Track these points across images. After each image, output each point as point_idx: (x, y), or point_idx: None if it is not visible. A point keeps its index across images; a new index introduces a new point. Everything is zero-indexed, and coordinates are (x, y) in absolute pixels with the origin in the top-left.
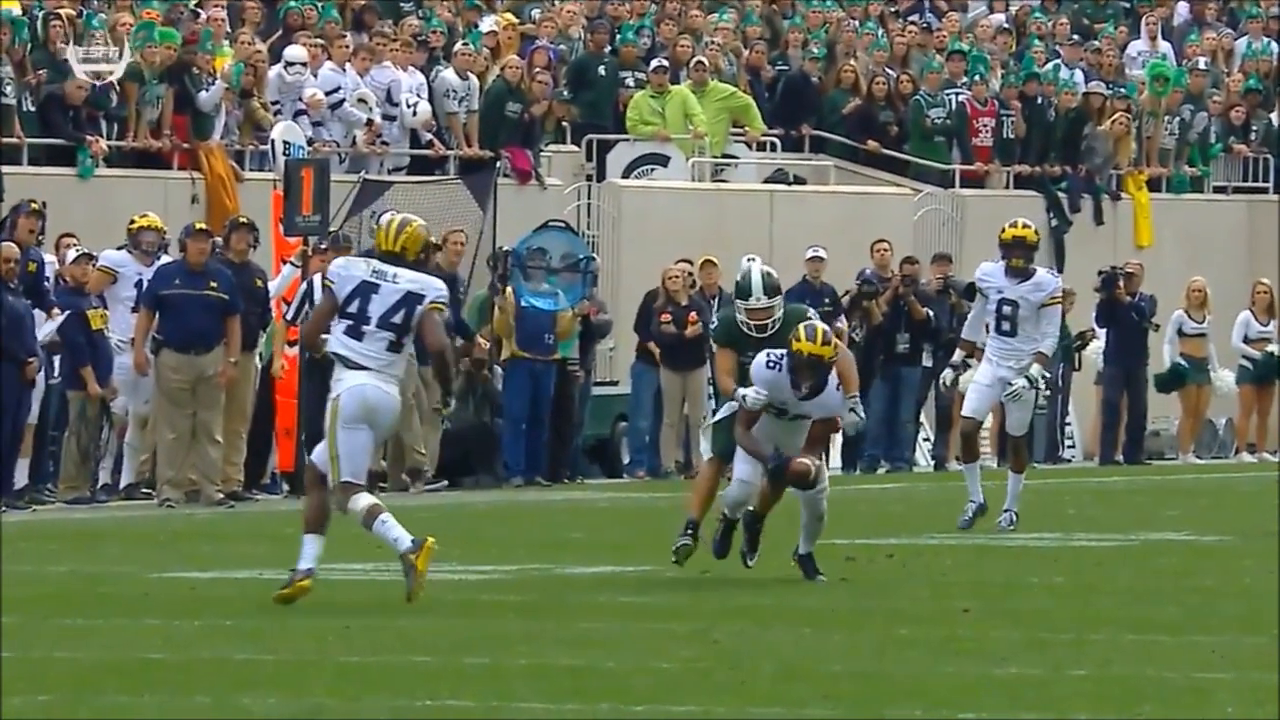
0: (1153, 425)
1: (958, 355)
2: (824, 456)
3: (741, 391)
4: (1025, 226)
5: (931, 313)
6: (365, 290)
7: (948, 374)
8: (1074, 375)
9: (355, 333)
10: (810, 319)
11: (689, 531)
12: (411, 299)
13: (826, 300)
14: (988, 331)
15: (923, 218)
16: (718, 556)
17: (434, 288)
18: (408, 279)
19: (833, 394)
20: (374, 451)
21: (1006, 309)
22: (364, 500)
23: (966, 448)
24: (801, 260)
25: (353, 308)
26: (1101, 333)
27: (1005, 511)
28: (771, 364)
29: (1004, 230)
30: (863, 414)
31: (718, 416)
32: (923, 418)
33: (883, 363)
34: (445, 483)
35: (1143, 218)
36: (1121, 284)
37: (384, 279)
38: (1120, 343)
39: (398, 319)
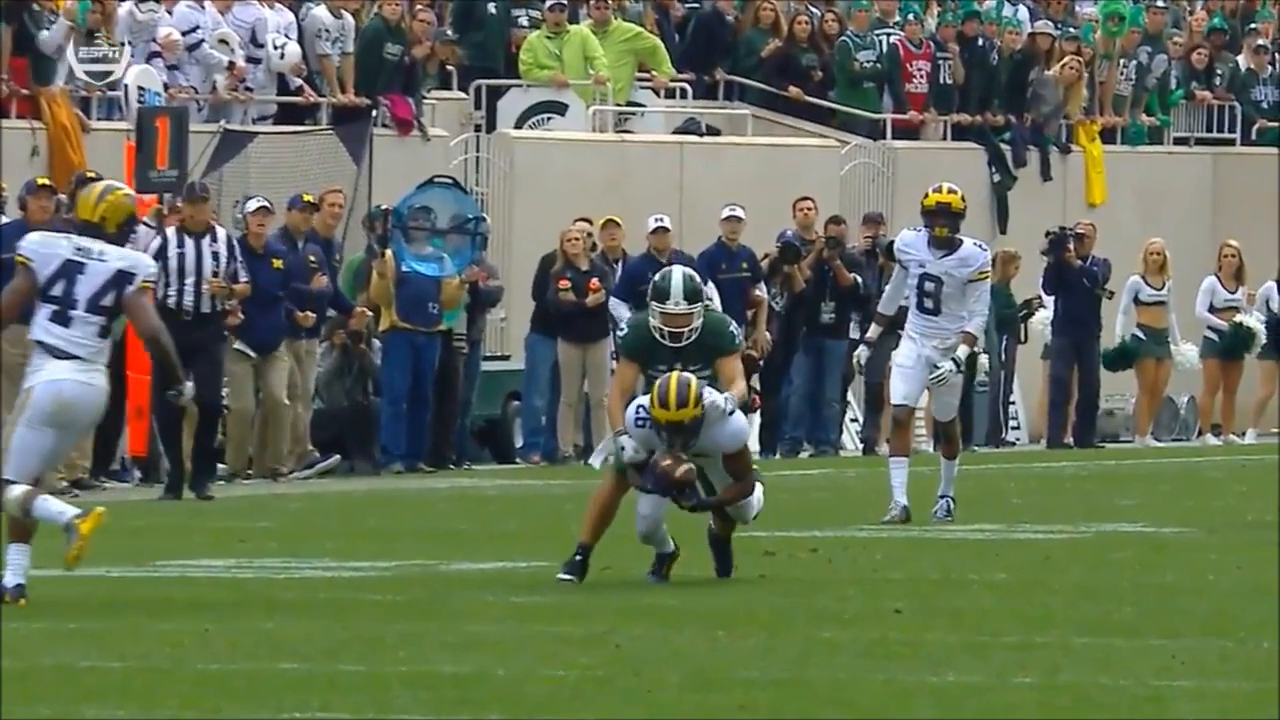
0: (1106, 404)
1: (872, 330)
2: (751, 470)
3: (621, 441)
4: (951, 192)
5: (859, 279)
6: (70, 270)
7: (862, 351)
8: (1018, 348)
9: (62, 318)
10: (726, 328)
11: (578, 558)
12: (122, 278)
13: (744, 264)
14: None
15: (850, 172)
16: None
17: (145, 266)
18: (117, 256)
19: (723, 427)
20: (59, 452)
21: (929, 285)
22: (17, 489)
23: (897, 438)
24: (716, 220)
25: (57, 290)
26: (1049, 300)
27: (941, 499)
28: (640, 421)
29: (926, 196)
30: (732, 406)
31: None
32: (850, 396)
33: (805, 334)
34: (336, 456)
35: (1095, 172)
36: (1071, 246)
37: (90, 257)
38: (1070, 312)
39: (108, 301)
